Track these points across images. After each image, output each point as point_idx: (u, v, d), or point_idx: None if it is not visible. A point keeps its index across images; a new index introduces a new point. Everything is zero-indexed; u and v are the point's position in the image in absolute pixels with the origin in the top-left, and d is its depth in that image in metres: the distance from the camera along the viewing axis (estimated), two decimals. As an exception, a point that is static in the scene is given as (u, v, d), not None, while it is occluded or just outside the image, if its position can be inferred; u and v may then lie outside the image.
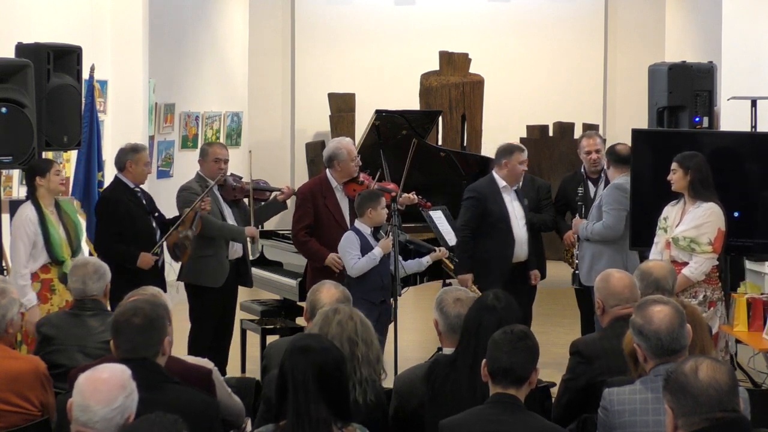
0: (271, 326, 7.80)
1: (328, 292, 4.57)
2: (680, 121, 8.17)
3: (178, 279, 7.26)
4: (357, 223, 6.70)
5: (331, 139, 8.90)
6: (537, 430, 3.54)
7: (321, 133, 14.12)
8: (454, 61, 12.91)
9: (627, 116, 13.04)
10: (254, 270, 7.67)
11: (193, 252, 6.89)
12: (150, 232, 6.88)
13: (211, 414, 3.76)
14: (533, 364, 3.59)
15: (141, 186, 6.96)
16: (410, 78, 13.14)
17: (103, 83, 9.89)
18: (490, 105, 13.00)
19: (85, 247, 7.26)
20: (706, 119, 8.13)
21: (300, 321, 7.33)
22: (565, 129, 13.43)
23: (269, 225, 9.61)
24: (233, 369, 7.63)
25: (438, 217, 7.72)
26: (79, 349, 4.80)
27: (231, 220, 7.21)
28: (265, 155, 13.36)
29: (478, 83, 12.88)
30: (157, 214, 7.04)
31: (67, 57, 7.07)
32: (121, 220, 6.78)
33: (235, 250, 7.19)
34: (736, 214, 6.79)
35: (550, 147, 13.33)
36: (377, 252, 6.57)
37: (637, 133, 7.34)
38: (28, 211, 6.37)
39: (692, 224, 6.19)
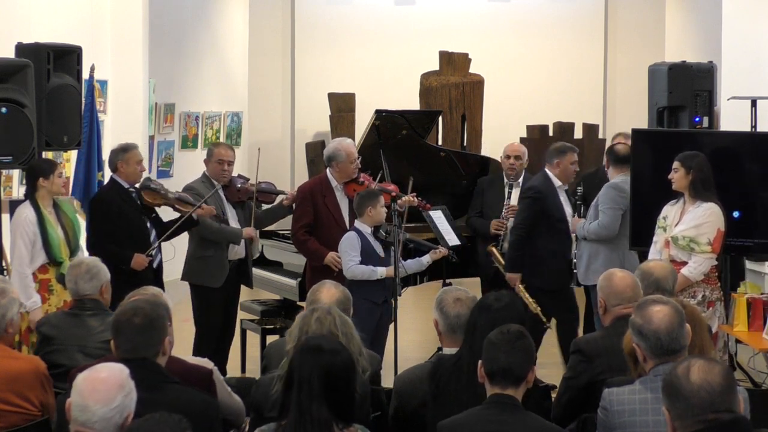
0: (271, 326, 7.80)
1: (328, 292, 4.57)
2: (680, 121, 8.17)
3: (182, 279, 7.26)
4: (357, 223, 6.70)
5: (332, 139, 8.89)
6: (536, 430, 3.54)
7: (321, 133, 14.10)
8: (454, 61, 12.89)
9: (627, 116, 13.00)
10: (254, 270, 7.66)
11: (193, 251, 6.90)
12: (144, 233, 6.83)
13: (212, 414, 3.76)
14: (530, 364, 3.60)
15: (136, 186, 6.93)
16: (410, 78, 13.12)
17: (103, 83, 9.89)
18: (490, 105, 12.99)
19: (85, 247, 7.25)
20: (706, 119, 8.12)
21: (300, 321, 7.32)
22: (565, 129, 13.40)
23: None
24: (233, 369, 7.63)
25: (438, 217, 7.72)
26: (79, 349, 4.80)
27: (234, 221, 7.20)
28: (265, 155, 13.28)
29: (478, 83, 12.87)
30: (153, 214, 7.02)
31: (67, 57, 7.07)
32: (113, 220, 6.76)
33: (237, 251, 7.19)
34: (736, 214, 6.80)
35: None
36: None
37: (637, 133, 7.35)
38: (27, 211, 6.36)
39: (692, 224, 6.19)
